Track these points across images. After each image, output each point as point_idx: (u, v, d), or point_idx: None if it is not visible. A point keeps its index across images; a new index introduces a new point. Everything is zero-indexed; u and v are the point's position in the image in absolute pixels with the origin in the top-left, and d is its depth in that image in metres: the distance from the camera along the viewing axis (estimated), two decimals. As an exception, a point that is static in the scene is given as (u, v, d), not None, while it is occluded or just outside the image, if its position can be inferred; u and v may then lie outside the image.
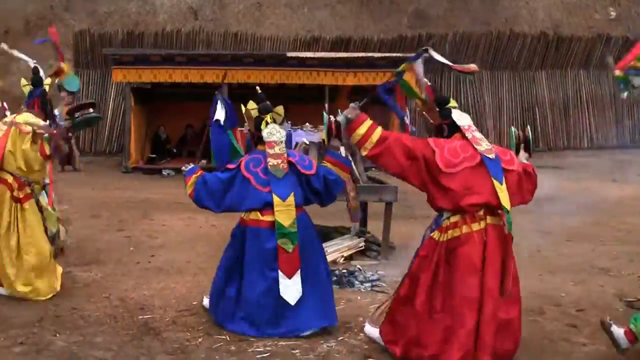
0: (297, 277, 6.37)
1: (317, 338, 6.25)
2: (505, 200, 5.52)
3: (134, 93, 20.17)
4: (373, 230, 9.87)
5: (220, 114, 7.53)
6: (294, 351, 5.96)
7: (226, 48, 23.19)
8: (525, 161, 6.05)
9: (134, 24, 24.96)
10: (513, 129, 6.43)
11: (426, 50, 6.29)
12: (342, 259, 9.01)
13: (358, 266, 8.65)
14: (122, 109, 21.72)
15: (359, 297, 7.52)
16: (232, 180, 6.53)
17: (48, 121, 7.43)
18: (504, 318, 5.57)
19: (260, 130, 6.72)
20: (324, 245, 9.13)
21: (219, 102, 7.60)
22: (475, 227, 5.55)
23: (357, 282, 8.02)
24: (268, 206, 6.38)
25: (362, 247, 9.30)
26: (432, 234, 5.79)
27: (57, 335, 6.31)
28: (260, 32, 24.49)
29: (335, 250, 9.11)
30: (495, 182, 5.56)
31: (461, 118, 5.89)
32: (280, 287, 6.34)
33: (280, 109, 6.97)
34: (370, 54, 20.81)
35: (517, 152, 6.17)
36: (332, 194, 6.66)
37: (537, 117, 24.35)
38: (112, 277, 8.28)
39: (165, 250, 9.69)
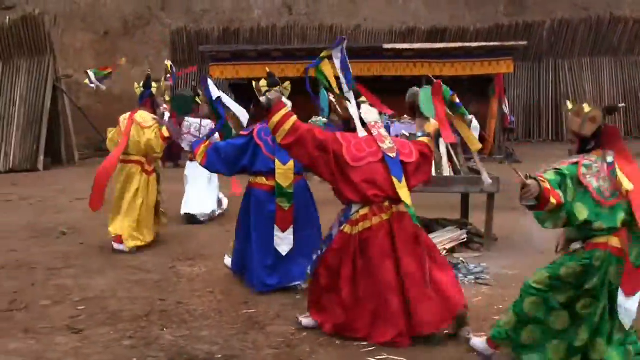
0: (289, 232, 7.42)
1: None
2: (405, 196, 5.98)
3: (232, 89, 20.38)
4: (475, 222, 9.73)
5: (216, 92, 8.10)
6: (399, 343, 5.92)
7: (321, 42, 23.22)
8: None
9: (229, 21, 25.28)
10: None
11: (344, 39, 6.53)
12: (445, 251, 8.89)
13: (461, 259, 8.52)
14: (220, 105, 21.99)
15: (462, 290, 7.40)
16: (246, 146, 7.47)
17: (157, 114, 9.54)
18: (443, 288, 6.01)
19: None
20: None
21: (209, 81, 8.17)
22: (385, 216, 6.00)
23: (460, 275, 7.89)
24: (272, 172, 7.42)
25: (464, 239, 9.16)
26: (343, 228, 6.16)
27: (165, 329, 6.40)
28: (355, 25, 24.43)
29: (437, 242, 8.99)
30: (394, 179, 6.00)
31: (369, 113, 6.32)
32: (275, 239, 7.40)
33: (287, 84, 7.74)
34: (467, 44, 20.54)
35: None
36: None
37: (641, 103, 23.70)
38: (216, 272, 8.35)
39: (266, 245, 9.74)
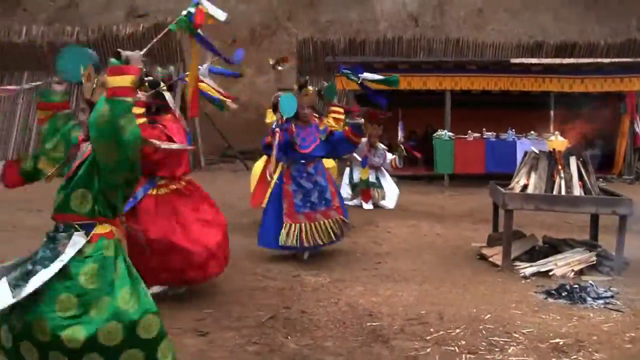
0: None
1: (550, 356, 6.05)
2: None
3: (358, 100, 20.40)
4: (604, 244, 9.45)
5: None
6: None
7: (447, 55, 23.01)
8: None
9: (355, 32, 25.32)
10: None
11: None
12: (572, 273, 8.67)
13: (590, 282, 8.24)
14: (344, 115, 22.08)
15: (591, 315, 7.19)
16: None
17: None
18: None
19: None
20: (553, 258, 8.93)
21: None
22: (177, 185, 7.42)
23: (589, 299, 7.66)
24: None
25: (593, 261, 8.90)
26: (149, 192, 7.35)
27: (289, 337, 6.45)
28: (482, 39, 24.13)
29: (564, 264, 8.79)
30: None
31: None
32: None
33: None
34: (598, 60, 19.98)
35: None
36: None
37: None
38: (340, 283, 8.38)
39: (390, 258, 9.70)
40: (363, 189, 14.36)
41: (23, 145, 21.61)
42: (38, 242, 4.50)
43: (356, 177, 14.47)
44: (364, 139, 12.71)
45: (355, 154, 13.66)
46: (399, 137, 14.34)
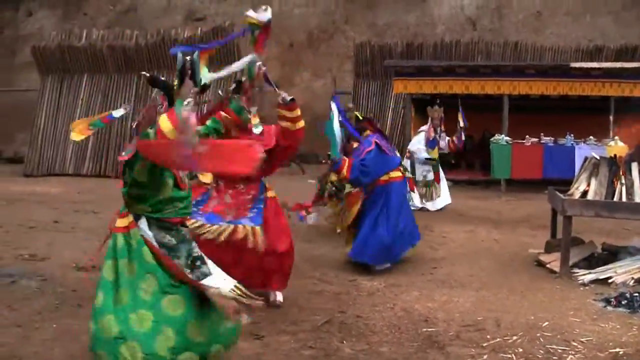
0: None
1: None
2: None
3: (414, 103, 20.34)
4: (666, 252, 9.29)
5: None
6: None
7: (505, 59, 22.77)
8: None
9: (412, 36, 25.23)
10: None
11: None
12: (632, 281, 8.52)
13: (651, 290, 8.11)
14: (401, 119, 22.03)
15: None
16: (377, 153, 8.86)
17: None
18: None
19: None
20: (612, 265, 8.79)
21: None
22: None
23: (650, 307, 7.54)
24: (397, 166, 9.26)
25: (654, 269, 8.76)
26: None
27: (344, 342, 6.44)
28: (541, 42, 23.85)
29: (624, 271, 8.65)
30: None
31: None
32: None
33: None
34: (660, 64, 19.60)
35: None
36: None
37: None
38: (396, 288, 8.35)
39: (446, 263, 9.64)
40: (435, 172, 14.58)
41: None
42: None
43: (418, 174, 14.45)
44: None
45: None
46: (461, 123, 14.26)
